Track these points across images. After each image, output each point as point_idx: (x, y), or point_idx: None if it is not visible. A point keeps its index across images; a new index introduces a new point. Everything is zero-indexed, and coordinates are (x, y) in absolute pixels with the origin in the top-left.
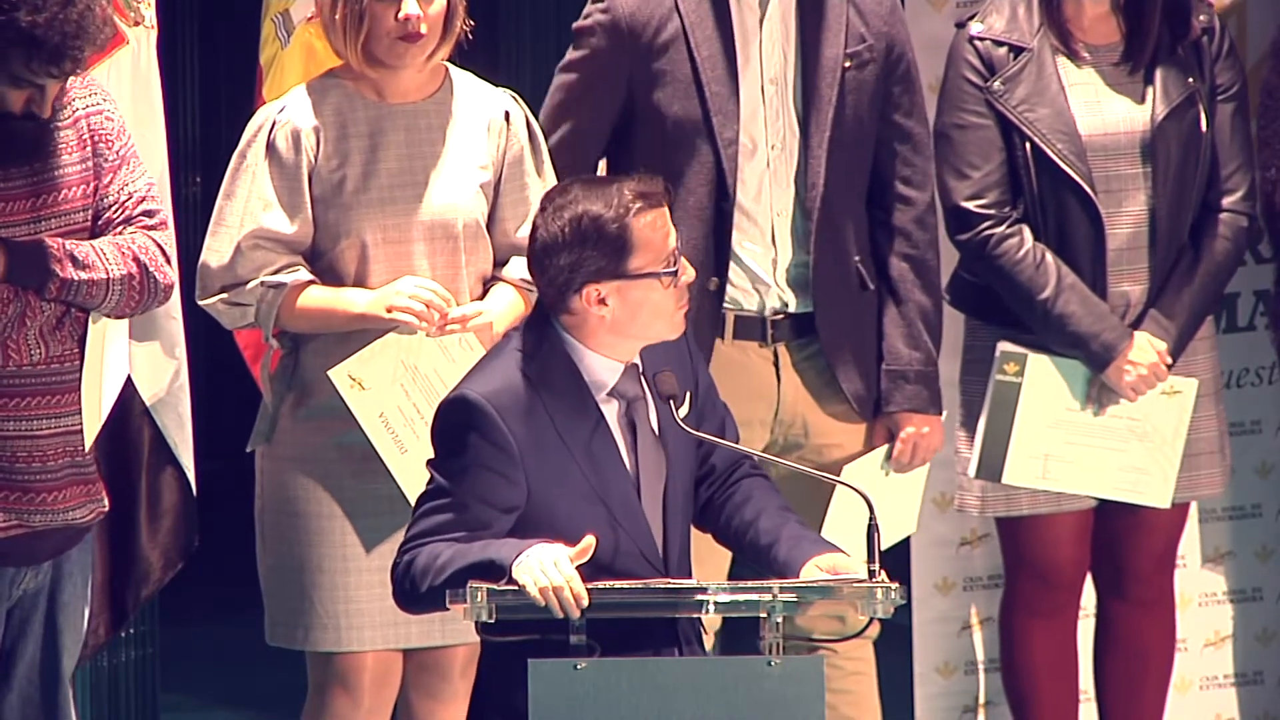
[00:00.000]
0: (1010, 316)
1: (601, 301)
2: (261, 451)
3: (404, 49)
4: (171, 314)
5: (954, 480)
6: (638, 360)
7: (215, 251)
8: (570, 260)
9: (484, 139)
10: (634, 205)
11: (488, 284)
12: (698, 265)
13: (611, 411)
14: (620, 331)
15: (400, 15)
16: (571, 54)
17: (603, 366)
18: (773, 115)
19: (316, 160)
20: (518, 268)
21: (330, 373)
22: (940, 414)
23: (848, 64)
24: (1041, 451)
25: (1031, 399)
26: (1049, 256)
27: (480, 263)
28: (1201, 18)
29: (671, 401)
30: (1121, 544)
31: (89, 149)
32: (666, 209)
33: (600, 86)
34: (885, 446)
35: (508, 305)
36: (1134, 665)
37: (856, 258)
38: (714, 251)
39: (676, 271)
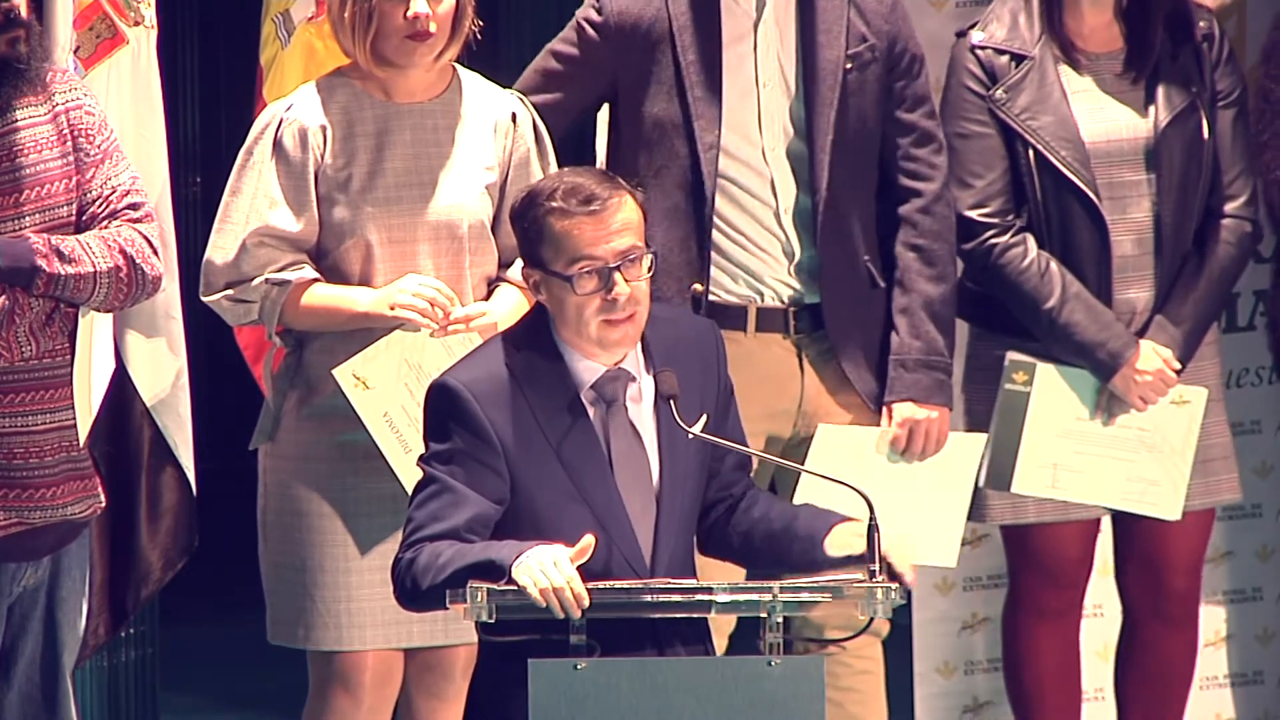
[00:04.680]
0: (1013, 325)
1: (535, 287)
2: (264, 450)
3: (413, 48)
4: (171, 313)
5: None
6: (630, 367)
7: (220, 248)
8: (517, 232)
9: (490, 140)
10: (554, 203)
11: (492, 285)
12: (678, 269)
13: (596, 413)
14: (568, 330)
15: (409, 14)
16: (561, 40)
17: (583, 367)
18: (768, 118)
19: (323, 159)
20: None
21: (334, 371)
22: (946, 405)
23: (849, 65)
24: (1050, 461)
25: (1040, 408)
26: (1053, 265)
27: (485, 264)
28: (1201, 24)
29: (672, 402)
30: (1152, 559)
31: (70, 144)
32: (605, 217)
33: (580, 79)
34: (877, 428)
35: (512, 306)
36: (1158, 681)
37: (866, 256)
38: (695, 255)
39: (572, 278)
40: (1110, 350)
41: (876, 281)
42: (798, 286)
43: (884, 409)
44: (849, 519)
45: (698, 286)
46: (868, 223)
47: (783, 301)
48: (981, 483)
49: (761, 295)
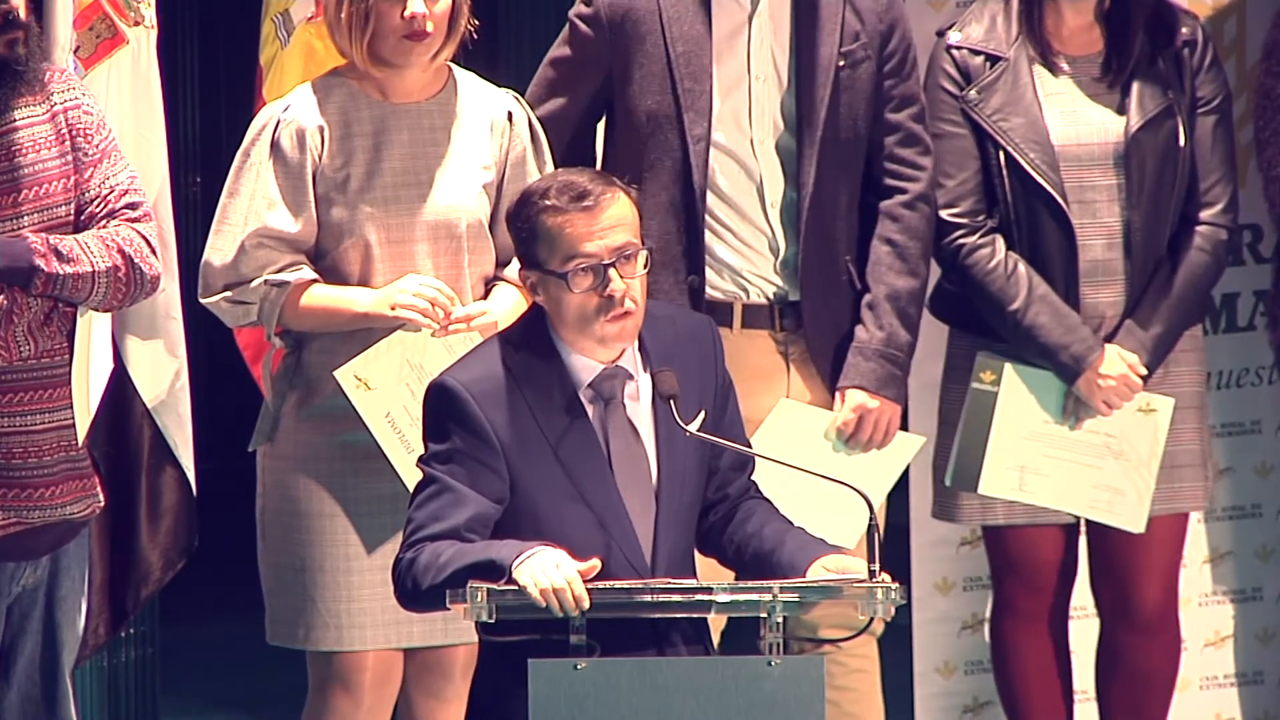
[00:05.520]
0: (990, 327)
1: (533, 289)
2: (263, 451)
3: (409, 48)
4: (171, 314)
5: None
6: (627, 364)
7: (218, 250)
8: (512, 234)
9: (487, 139)
10: (547, 201)
11: (490, 284)
12: (672, 262)
13: (595, 411)
14: (567, 329)
15: (406, 14)
16: (555, 46)
17: (581, 365)
18: (759, 112)
19: (321, 159)
20: None
21: (336, 373)
22: (897, 401)
23: (841, 62)
24: (1018, 463)
25: (1008, 408)
26: (1021, 267)
27: (483, 263)
28: (1184, 30)
29: (672, 401)
30: (1123, 568)
31: (68, 143)
32: (599, 214)
33: (578, 77)
34: (831, 414)
35: (511, 305)
36: (1139, 685)
37: (847, 256)
38: (689, 248)
39: (567, 275)
40: (1073, 353)
41: (855, 282)
42: (781, 283)
43: (837, 394)
44: (831, 550)
45: (694, 279)
46: (853, 223)
47: (768, 298)
48: (948, 483)
49: (747, 292)
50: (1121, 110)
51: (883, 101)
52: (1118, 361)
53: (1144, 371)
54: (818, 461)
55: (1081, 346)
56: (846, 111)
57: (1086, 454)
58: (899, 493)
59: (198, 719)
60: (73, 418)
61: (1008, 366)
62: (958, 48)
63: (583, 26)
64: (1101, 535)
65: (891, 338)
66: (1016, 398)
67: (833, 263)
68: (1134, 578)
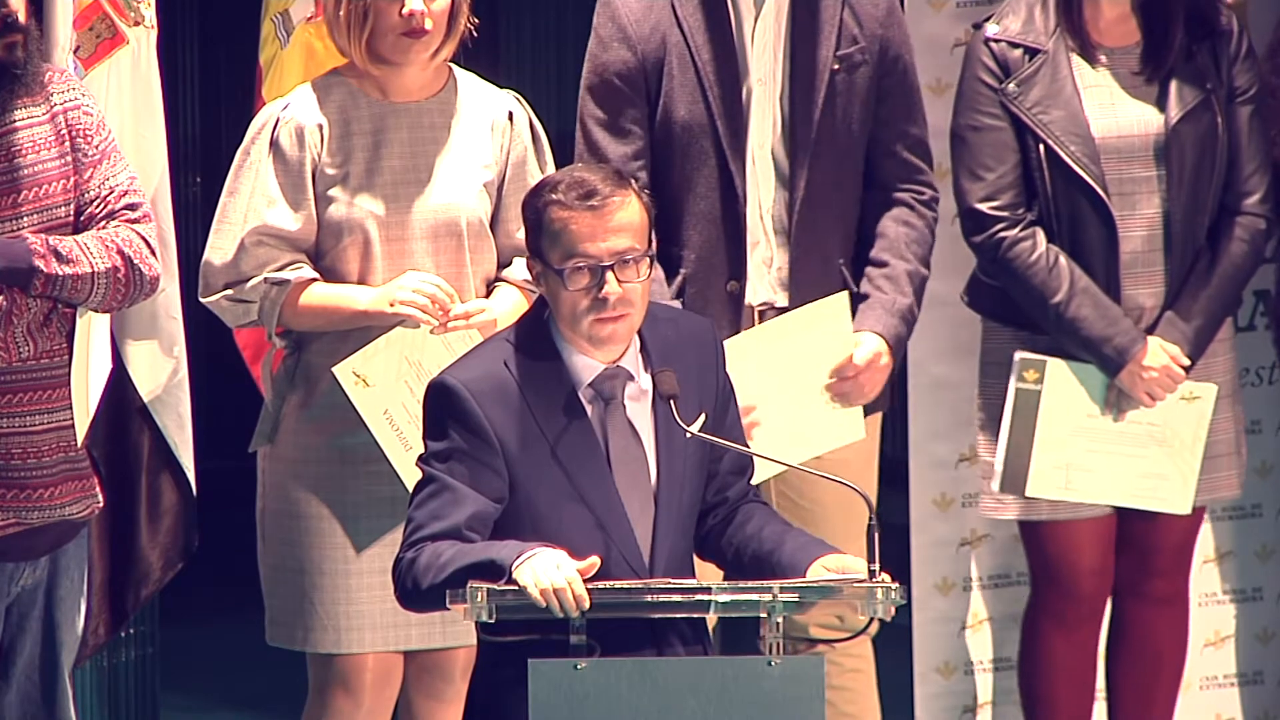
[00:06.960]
0: (1028, 319)
1: (537, 279)
2: (263, 452)
3: (408, 45)
4: (171, 313)
5: (954, 480)
6: (629, 365)
7: (218, 249)
8: (523, 220)
9: (487, 139)
10: (555, 195)
11: (491, 285)
12: (714, 269)
13: (594, 411)
14: (564, 323)
15: (404, 11)
16: (591, 97)
17: (582, 365)
18: (759, 115)
19: (320, 157)
20: (521, 269)
21: (335, 369)
22: (893, 373)
23: (836, 66)
24: (1064, 461)
25: (1052, 406)
26: (1062, 259)
27: (484, 262)
28: (1221, 19)
29: (672, 401)
30: (1140, 541)
31: (68, 144)
32: (605, 215)
33: (629, 112)
34: (815, 329)
35: (512, 305)
36: (1148, 665)
37: (840, 260)
38: (730, 254)
39: (564, 271)
40: (1117, 346)
41: (850, 285)
42: (769, 286)
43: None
44: (830, 551)
45: (734, 284)
46: (848, 228)
47: (757, 301)
48: (997, 488)
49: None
50: (1160, 102)
51: (887, 106)
52: (1160, 353)
53: (1186, 363)
54: (796, 377)
55: (1124, 339)
56: (842, 115)
57: (1131, 445)
58: (899, 493)
59: (198, 718)
60: (72, 418)
61: (1050, 363)
62: (996, 40)
63: (614, 48)
64: (1126, 518)
65: (911, 310)
66: (1060, 394)
67: (824, 267)
68: (1150, 552)
